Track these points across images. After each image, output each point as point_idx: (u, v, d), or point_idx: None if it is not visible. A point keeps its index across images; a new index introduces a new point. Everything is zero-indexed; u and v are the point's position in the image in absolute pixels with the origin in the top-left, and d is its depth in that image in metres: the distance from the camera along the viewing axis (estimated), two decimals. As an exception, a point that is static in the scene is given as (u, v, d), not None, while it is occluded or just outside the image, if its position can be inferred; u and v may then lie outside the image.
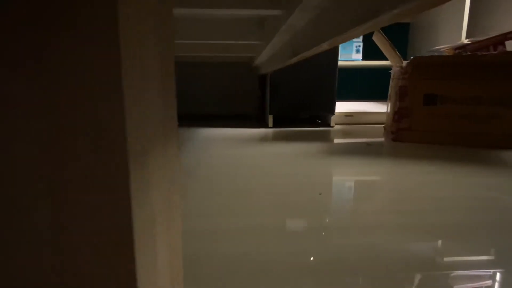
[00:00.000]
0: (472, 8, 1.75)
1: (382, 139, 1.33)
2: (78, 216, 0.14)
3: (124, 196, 0.14)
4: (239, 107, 2.14)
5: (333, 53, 1.60)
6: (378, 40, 1.33)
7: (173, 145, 0.23)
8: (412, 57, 1.24)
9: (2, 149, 0.14)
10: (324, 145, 1.20)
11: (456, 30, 1.79)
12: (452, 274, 0.40)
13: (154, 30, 0.18)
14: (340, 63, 1.74)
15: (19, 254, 0.15)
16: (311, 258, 0.43)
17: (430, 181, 0.77)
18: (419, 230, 0.52)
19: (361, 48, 2.00)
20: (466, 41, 1.39)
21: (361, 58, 2.01)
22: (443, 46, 1.42)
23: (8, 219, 0.14)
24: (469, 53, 1.26)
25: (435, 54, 1.41)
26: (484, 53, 1.19)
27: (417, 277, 0.39)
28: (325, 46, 0.47)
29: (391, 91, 1.35)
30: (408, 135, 1.27)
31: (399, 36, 2.29)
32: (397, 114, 1.28)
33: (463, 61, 1.18)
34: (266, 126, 1.68)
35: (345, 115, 1.73)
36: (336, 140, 1.32)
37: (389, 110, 1.36)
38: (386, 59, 1.85)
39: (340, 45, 1.84)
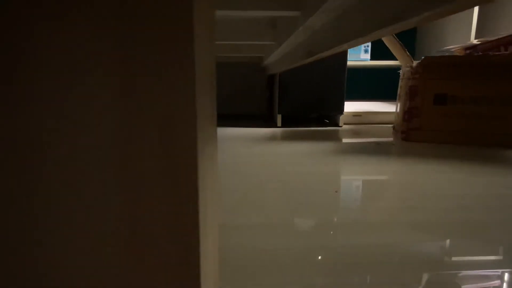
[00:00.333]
0: (481, 8, 1.75)
1: (391, 139, 1.33)
2: (150, 211, 0.16)
3: (192, 190, 0.16)
4: (247, 107, 2.16)
5: (342, 53, 1.60)
6: (388, 40, 1.33)
7: (215, 136, 0.24)
8: (422, 57, 1.24)
9: (72, 144, 0.15)
10: (334, 145, 1.21)
11: (465, 30, 1.79)
12: (479, 274, 0.41)
13: (207, 30, 0.20)
14: (348, 63, 1.75)
15: (85, 250, 0.16)
16: (328, 254, 0.44)
17: (446, 180, 0.78)
18: (442, 228, 0.52)
19: (369, 48, 2.00)
20: (475, 41, 1.39)
21: (369, 58, 2.01)
22: (453, 46, 1.42)
23: (78, 216, 0.16)
24: (480, 53, 1.26)
25: (446, 54, 1.41)
26: (496, 53, 1.19)
27: (442, 276, 0.40)
28: (345, 47, 0.48)
29: (401, 91, 1.35)
30: (418, 135, 1.27)
31: (407, 36, 2.29)
32: (407, 114, 1.28)
33: (475, 61, 1.18)
34: (275, 126, 1.69)
35: (354, 115, 1.73)
36: (345, 140, 1.33)
37: (398, 110, 1.37)
38: (394, 59, 1.86)
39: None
